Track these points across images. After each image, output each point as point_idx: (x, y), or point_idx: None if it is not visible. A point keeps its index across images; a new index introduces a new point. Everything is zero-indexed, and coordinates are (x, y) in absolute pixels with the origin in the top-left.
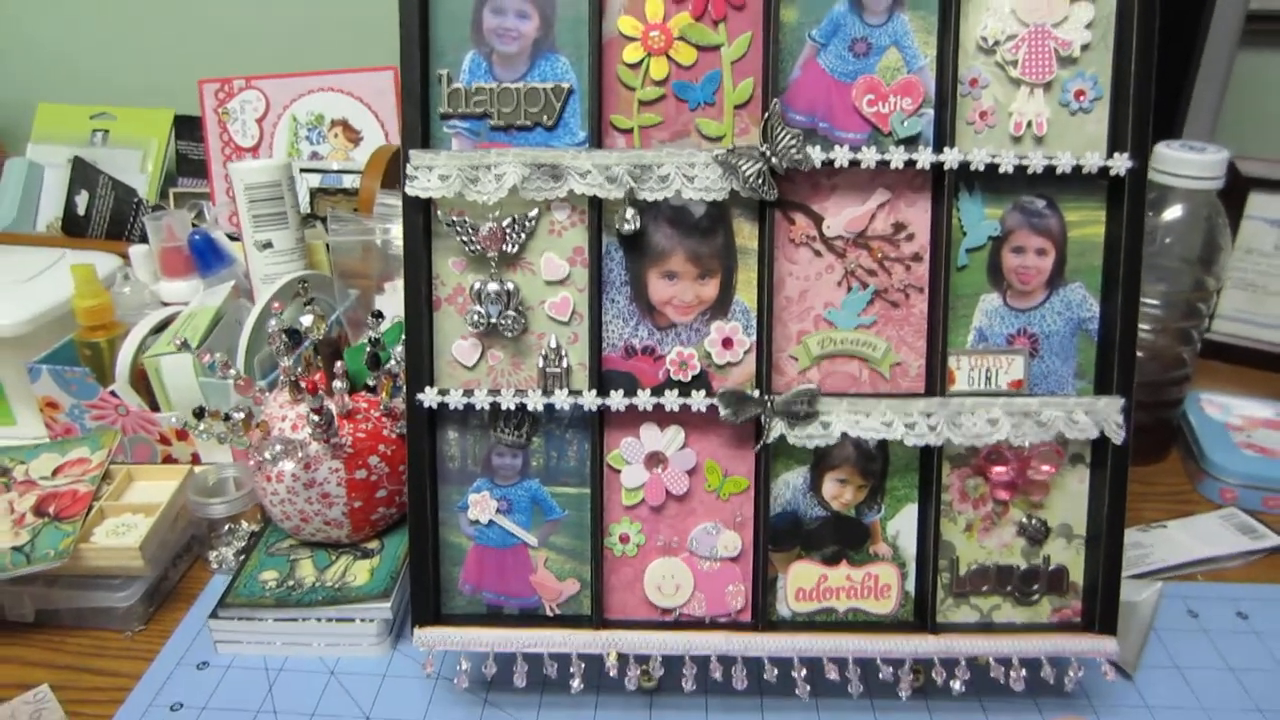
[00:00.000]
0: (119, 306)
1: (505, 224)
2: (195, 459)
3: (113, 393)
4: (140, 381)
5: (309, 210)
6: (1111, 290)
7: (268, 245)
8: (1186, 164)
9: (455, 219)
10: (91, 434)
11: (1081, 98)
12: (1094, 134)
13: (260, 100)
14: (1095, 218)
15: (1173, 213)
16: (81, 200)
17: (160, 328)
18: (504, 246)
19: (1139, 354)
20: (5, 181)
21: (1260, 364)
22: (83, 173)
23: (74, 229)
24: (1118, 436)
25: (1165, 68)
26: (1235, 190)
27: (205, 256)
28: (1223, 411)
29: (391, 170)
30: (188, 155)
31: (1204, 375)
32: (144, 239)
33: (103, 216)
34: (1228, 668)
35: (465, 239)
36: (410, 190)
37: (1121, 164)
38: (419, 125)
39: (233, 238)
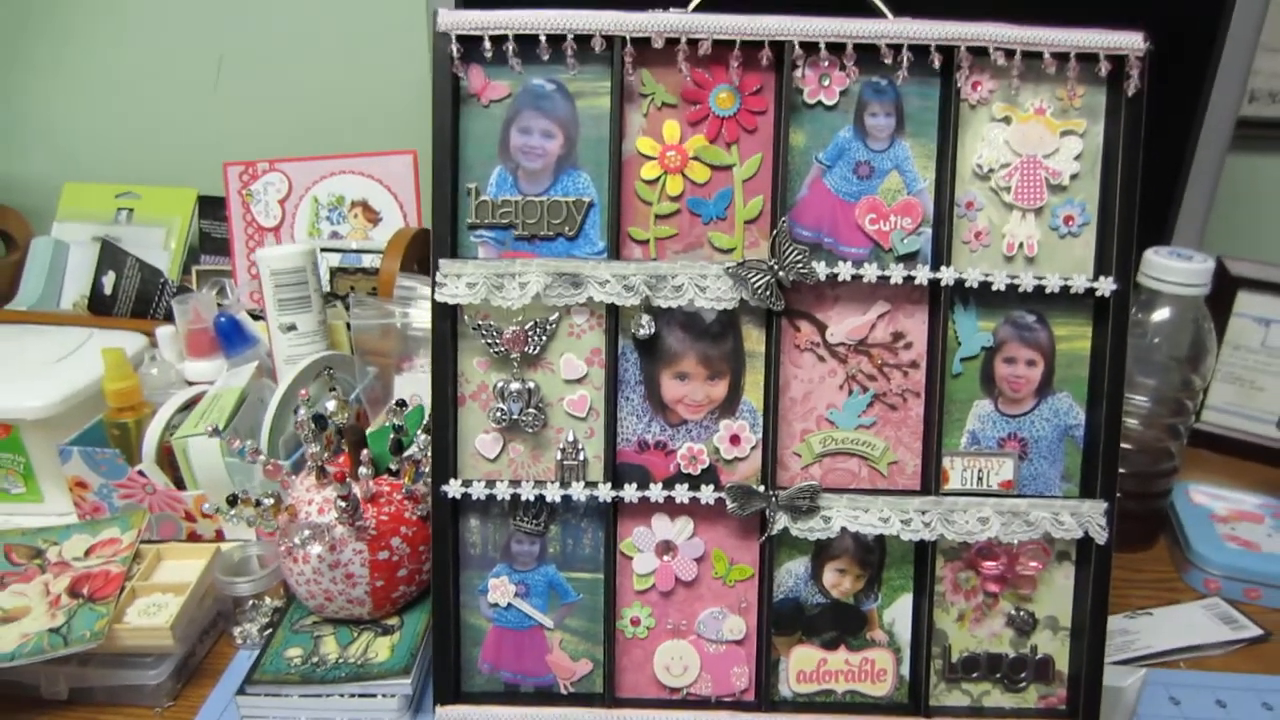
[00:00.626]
0: (146, 386)
1: (528, 327)
2: (219, 535)
3: (141, 472)
4: (165, 458)
5: (329, 289)
6: (1096, 400)
7: (292, 328)
8: (1174, 271)
9: (481, 322)
10: (120, 514)
11: (1070, 223)
12: (1081, 256)
13: (283, 182)
14: (1082, 333)
15: (1161, 314)
16: (108, 280)
17: (186, 406)
18: (526, 348)
19: (1129, 446)
20: (31, 260)
21: (1248, 455)
22: (110, 254)
23: (100, 308)
24: (1101, 537)
25: (1156, 174)
26: (1224, 289)
27: (230, 337)
28: (1209, 502)
29: (411, 253)
30: (210, 233)
31: (1194, 465)
32: (169, 318)
33: (128, 296)
34: None
35: (490, 341)
36: (439, 297)
37: (1106, 286)
38: (448, 235)
39: (255, 315)
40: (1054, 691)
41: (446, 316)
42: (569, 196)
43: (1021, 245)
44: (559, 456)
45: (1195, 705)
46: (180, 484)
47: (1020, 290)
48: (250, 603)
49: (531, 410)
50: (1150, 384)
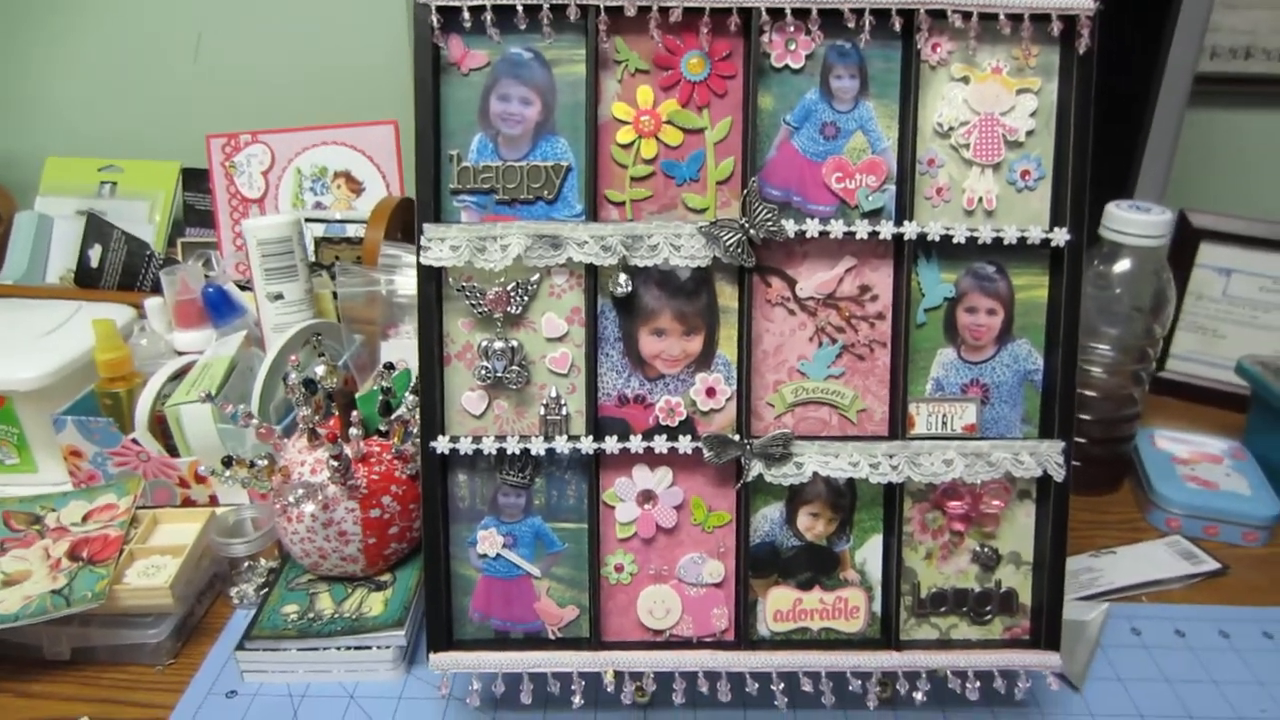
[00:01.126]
0: (136, 357)
1: (510, 288)
2: (213, 500)
3: (134, 440)
4: (158, 427)
5: (314, 259)
6: (1054, 346)
7: (279, 297)
8: (1134, 223)
9: (464, 284)
10: (116, 480)
11: (1027, 177)
12: (1038, 209)
13: (266, 154)
14: (1039, 282)
15: (1122, 266)
16: (95, 254)
17: (176, 376)
18: (508, 308)
19: (1094, 394)
20: (16, 234)
21: (1210, 401)
22: (96, 228)
23: (87, 281)
24: (1059, 474)
25: (1118, 130)
26: (1187, 241)
27: (218, 308)
28: (1171, 446)
29: (394, 221)
30: (194, 206)
31: (1158, 412)
32: (156, 290)
33: (115, 269)
34: (1165, 680)
35: (474, 302)
36: (424, 260)
37: (1061, 237)
38: (431, 201)
39: (242, 286)
40: (1018, 623)
41: (431, 279)
42: (547, 161)
43: (981, 200)
44: (542, 412)
45: (1155, 635)
46: (173, 451)
47: (980, 243)
48: (246, 564)
49: (515, 368)
50: (1114, 333)
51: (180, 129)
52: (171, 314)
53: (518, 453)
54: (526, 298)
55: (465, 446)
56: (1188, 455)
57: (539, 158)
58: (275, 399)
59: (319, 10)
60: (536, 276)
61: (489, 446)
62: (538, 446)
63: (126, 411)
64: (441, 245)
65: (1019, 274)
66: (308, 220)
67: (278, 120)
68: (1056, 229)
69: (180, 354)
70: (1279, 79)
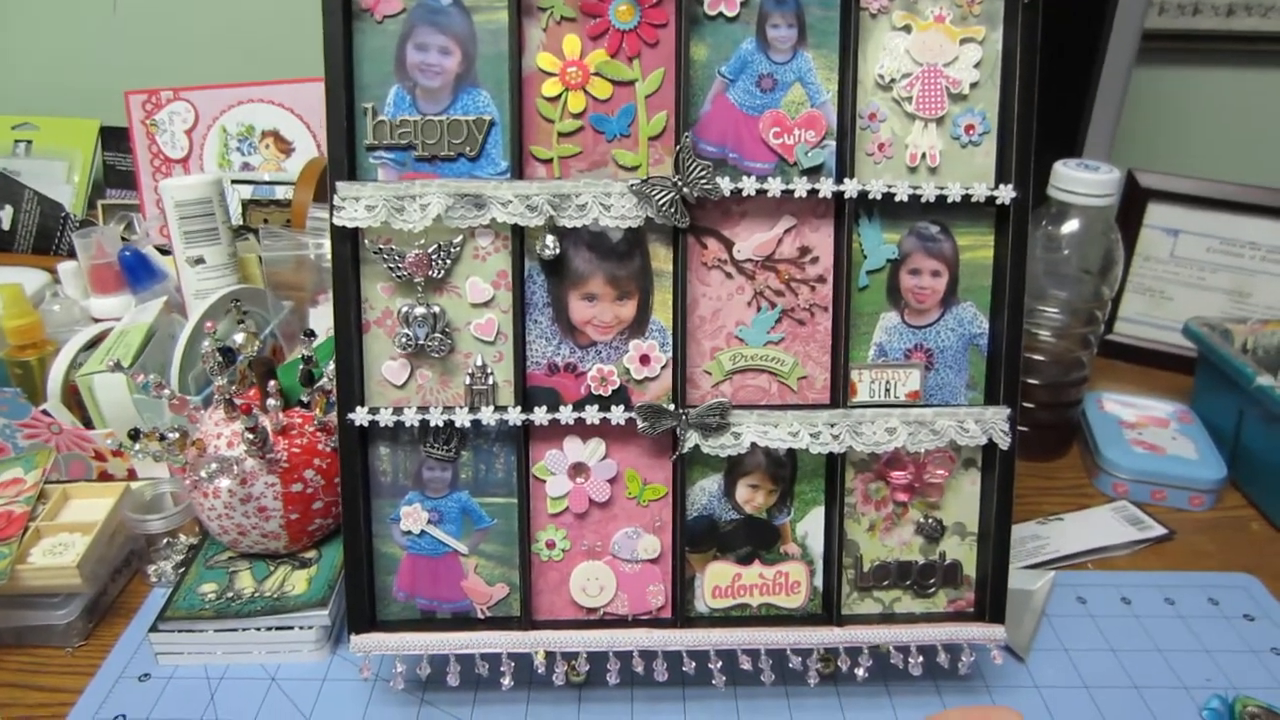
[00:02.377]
0: (49, 324)
1: (431, 250)
2: (132, 474)
3: (45, 411)
4: (72, 398)
5: (241, 222)
6: (999, 308)
7: (199, 261)
8: (1082, 182)
9: (382, 246)
10: (25, 454)
11: (971, 132)
12: (983, 165)
13: (189, 111)
14: (985, 242)
15: (1070, 226)
16: (5, 215)
17: (92, 344)
18: (430, 272)
19: (1041, 358)
20: None
21: (1158, 363)
22: (6, 188)
23: None
24: (1004, 442)
25: (1064, 86)
26: (1135, 201)
27: (136, 272)
28: (1118, 409)
29: (324, 183)
30: (115, 166)
31: (1107, 375)
32: (72, 254)
33: (29, 231)
34: (1110, 649)
35: (392, 265)
36: (338, 220)
37: (1006, 194)
38: (345, 157)
39: (163, 250)
40: (962, 595)
41: (346, 240)
42: (469, 115)
43: (924, 156)
44: (468, 381)
45: (1101, 603)
46: (89, 423)
47: (923, 200)
48: (165, 540)
49: (438, 335)
50: (1061, 296)
51: (99, 85)
52: (87, 279)
53: (442, 424)
54: (449, 260)
55: (385, 418)
56: (1135, 419)
57: (460, 111)
58: (195, 368)
59: None
60: (459, 238)
61: (411, 418)
62: (462, 418)
63: (39, 381)
64: (356, 205)
65: (964, 234)
66: (235, 182)
67: (202, 76)
68: (1002, 186)
69: (97, 320)
70: (1228, 35)
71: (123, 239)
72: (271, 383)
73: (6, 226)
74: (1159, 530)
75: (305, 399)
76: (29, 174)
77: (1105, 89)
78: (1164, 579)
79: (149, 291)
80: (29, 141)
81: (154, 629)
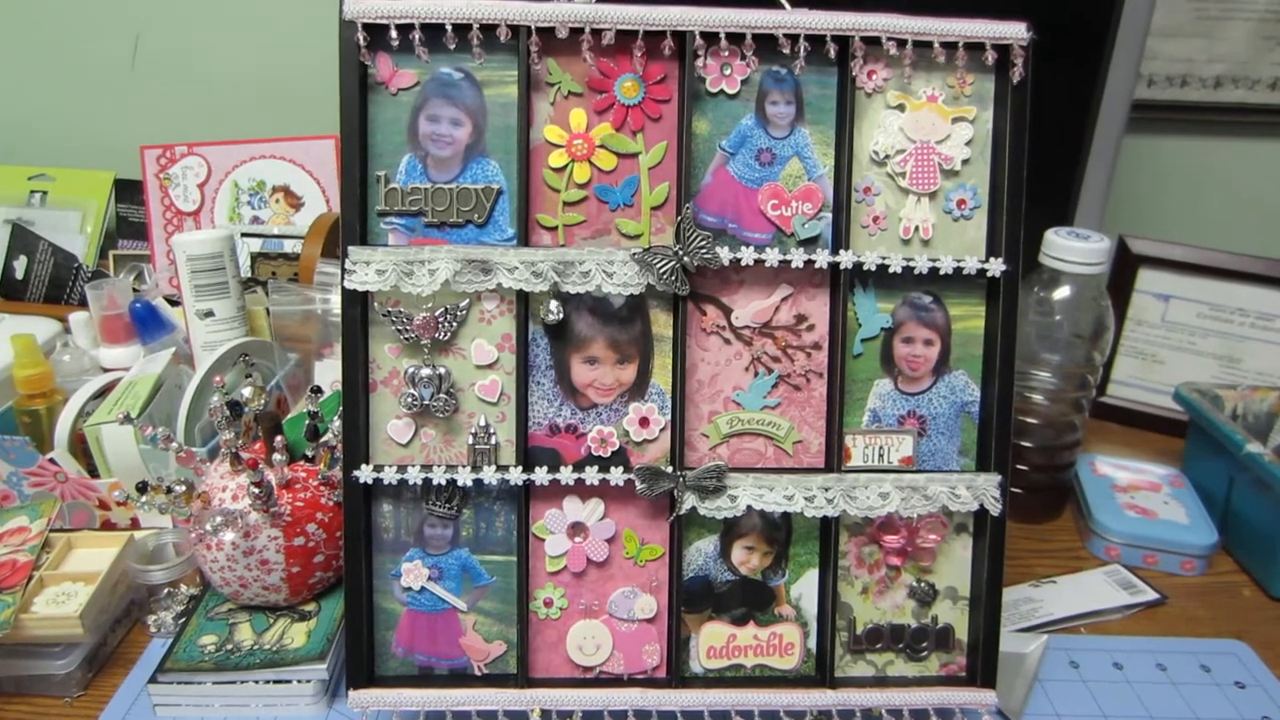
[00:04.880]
0: (58, 373)
1: (438, 314)
2: (135, 524)
3: (52, 460)
4: (79, 446)
5: (250, 274)
6: (991, 377)
7: (209, 314)
8: (1073, 250)
9: (391, 309)
10: (30, 502)
11: (963, 206)
12: (974, 238)
13: (202, 166)
14: (976, 312)
15: (1062, 293)
16: (20, 265)
17: (100, 394)
18: (436, 334)
19: (1035, 421)
20: None
21: (1150, 426)
22: (22, 238)
23: (12, 293)
24: (995, 509)
25: (1056, 157)
26: (1126, 267)
27: (146, 323)
28: (1111, 472)
29: (332, 238)
30: (128, 217)
31: (1099, 437)
32: (83, 303)
33: (41, 281)
34: (1102, 715)
35: (400, 327)
36: (349, 284)
37: (997, 267)
38: (357, 223)
39: (173, 301)
40: (954, 659)
41: (356, 303)
42: (478, 184)
43: (917, 228)
44: (471, 441)
45: (1094, 668)
46: (95, 472)
47: (916, 272)
48: (165, 591)
49: (443, 396)
50: (1054, 360)
51: (115, 138)
52: (97, 329)
53: (444, 483)
54: (455, 323)
55: (390, 476)
56: (1127, 482)
57: (469, 180)
58: (202, 420)
59: (260, 20)
60: (466, 302)
61: (414, 476)
62: (465, 477)
63: (46, 430)
64: (367, 269)
65: (956, 304)
66: (244, 235)
67: (216, 132)
68: (993, 259)
69: (106, 370)
70: (1214, 106)
71: (134, 289)
72: (278, 438)
73: (20, 276)
74: (1151, 595)
75: (310, 453)
76: (43, 224)
77: (1096, 158)
78: (1156, 644)
79: (158, 342)
80: (44, 192)
81: (153, 680)
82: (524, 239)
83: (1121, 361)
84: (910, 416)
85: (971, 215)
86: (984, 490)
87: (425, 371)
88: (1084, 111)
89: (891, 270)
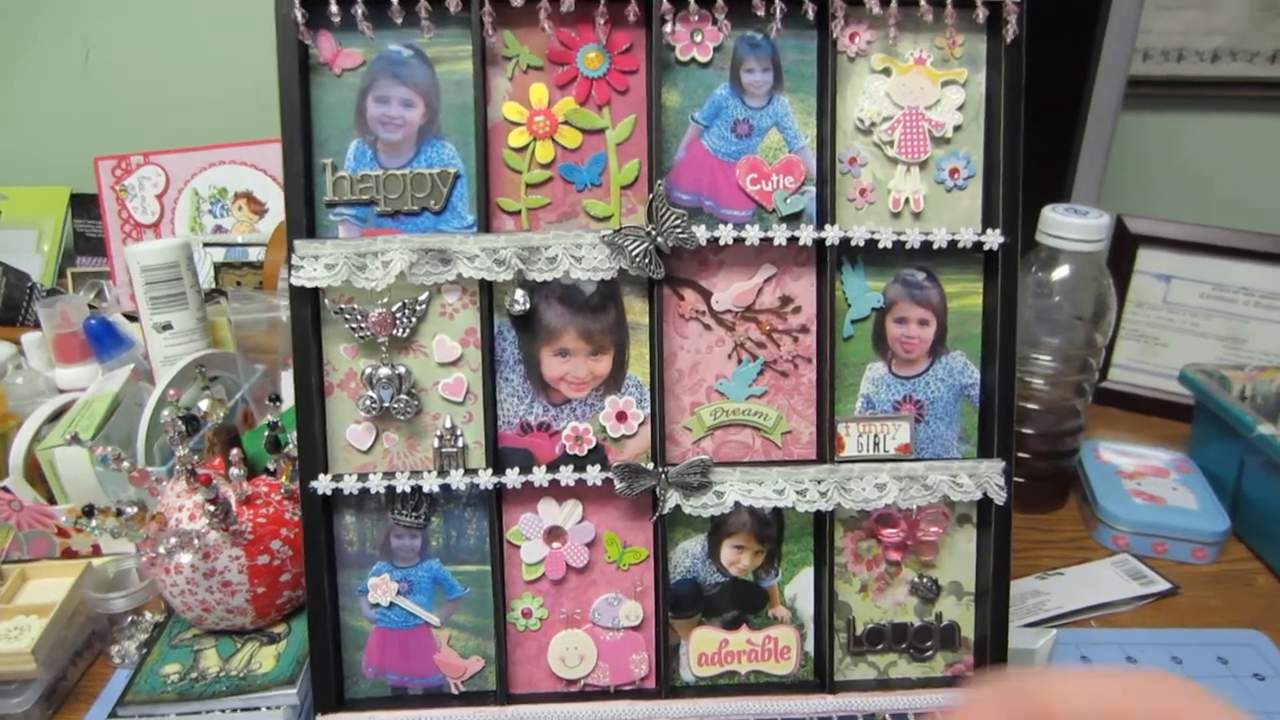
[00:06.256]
0: (12, 396)
1: (395, 309)
2: (96, 550)
3: (4, 488)
4: (35, 472)
5: (214, 285)
6: (990, 357)
7: (167, 327)
8: (1072, 227)
9: (344, 306)
10: None
11: (956, 175)
12: (969, 209)
13: (160, 176)
14: (973, 289)
15: (1061, 272)
16: None
17: (56, 416)
18: (394, 331)
19: (1036, 407)
20: None
21: (1154, 410)
22: None
23: None
24: (999, 497)
25: (1051, 131)
26: (1125, 247)
27: (102, 341)
28: (1116, 459)
29: None
30: (85, 233)
31: (1102, 423)
32: (39, 324)
33: None
34: None
35: (355, 325)
36: (296, 280)
37: (994, 239)
38: (303, 215)
39: (132, 317)
40: (960, 658)
41: (306, 301)
42: (433, 168)
43: (907, 200)
44: (436, 444)
45: (1106, 662)
46: (53, 500)
47: (908, 247)
48: (129, 619)
49: (404, 397)
50: (1054, 343)
51: (68, 151)
52: (51, 349)
53: (409, 490)
54: (414, 319)
55: (350, 485)
56: (1133, 469)
57: (424, 164)
58: (161, 438)
59: (214, 22)
60: (425, 295)
61: (376, 485)
62: (431, 482)
63: (0, 456)
64: (315, 263)
65: (951, 280)
66: (207, 245)
67: (174, 139)
68: (989, 231)
69: (62, 392)
70: (1211, 81)
71: (91, 307)
72: (234, 451)
73: None
74: (1163, 585)
75: (271, 467)
76: None
77: (1092, 134)
78: (1170, 636)
79: (116, 360)
80: None
81: (113, 715)
82: (485, 225)
83: (1122, 345)
84: (906, 401)
85: (965, 185)
86: (987, 477)
87: (384, 372)
88: (1078, 87)
89: (881, 245)
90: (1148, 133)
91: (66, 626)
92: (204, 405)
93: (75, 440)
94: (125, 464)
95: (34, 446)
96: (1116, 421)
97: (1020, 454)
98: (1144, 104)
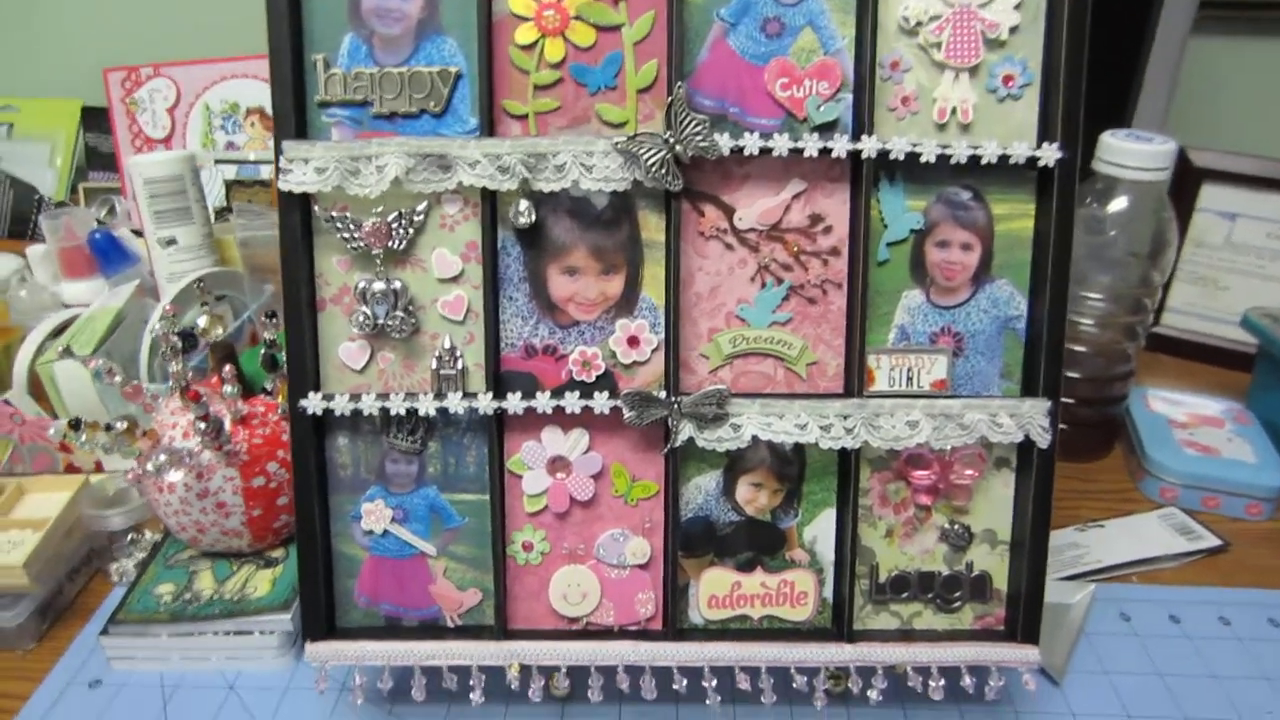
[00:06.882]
0: (15, 310)
1: (390, 219)
2: (99, 467)
3: (6, 401)
4: (39, 387)
5: (225, 204)
6: (1040, 288)
7: (171, 242)
8: (1133, 154)
9: (335, 214)
10: None
11: (1010, 83)
12: (1023, 122)
13: (171, 89)
14: (1024, 210)
15: (1118, 204)
16: None
17: (60, 331)
18: (390, 243)
19: (1083, 349)
20: None
21: (1209, 359)
22: None
23: None
24: (1043, 440)
25: (1114, 53)
26: (1187, 182)
27: (108, 255)
28: (1167, 408)
29: None
30: (98, 148)
31: (1152, 370)
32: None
33: (3, 215)
34: (1157, 673)
35: (347, 236)
36: (284, 185)
37: (1050, 154)
38: (293, 114)
39: (139, 233)
40: (991, 611)
41: (295, 207)
42: (433, 66)
43: (955, 110)
44: (434, 365)
45: (1147, 621)
46: (57, 415)
47: (953, 162)
48: (129, 537)
49: (399, 313)
50: (1106, 281)
51: (81, 62)
52: (57, 262)
53: (405, 413)
54: (411, 230)
55: (342, 406)
56: (1185, 418)
57: (422, 62)
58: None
59: None
60: (423, 205)
61: (369, 406)
62: (428, 405)
63: (4, 370)
64: (305, 167)
65: (1000, 201)
66: (219, 161)
67: (185, 51)
68: (1046, 145)
69: (67, 306)
70: None
71: (100, 222)
72: (227, 368)
73: None
74: (1212, 541)
75: (269, 386)
76: (11, 158)
77: (1158, 57)
78: (1218, 595)
79: (122, 275)
80: (10, 125)
81: (105, 632)
82: (488, 129)
83: (1178, 288)
84: (944, 333)
85: (1021, 94)
86: (1030, 418)
87: (379, 286)
88: (1146, 3)
89: (924, 160)
90: (1218, 58)
91: (62, 542)
92: (202, 322)
93: (68, 353)
94: (118, 379)
95: (36, 361)
96: (1168, 369)
97: (1064, 399)
98: (1216, 26)
